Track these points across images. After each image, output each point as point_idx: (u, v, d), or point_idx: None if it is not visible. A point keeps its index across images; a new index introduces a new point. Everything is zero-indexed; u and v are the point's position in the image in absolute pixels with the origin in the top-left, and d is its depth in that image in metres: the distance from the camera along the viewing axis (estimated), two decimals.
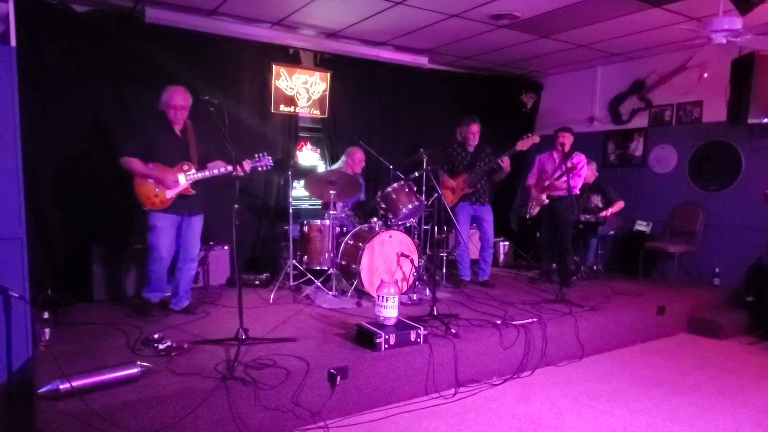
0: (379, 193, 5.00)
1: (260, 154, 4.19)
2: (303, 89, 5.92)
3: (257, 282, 5.30)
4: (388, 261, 4.69)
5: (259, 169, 4.23)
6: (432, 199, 4.94)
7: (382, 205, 4.90)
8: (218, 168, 4.07)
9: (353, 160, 5.48)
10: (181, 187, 3.98)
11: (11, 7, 3.06)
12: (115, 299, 4.56)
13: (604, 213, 5.97)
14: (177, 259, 4.18)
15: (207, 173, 4.05)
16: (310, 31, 5.70)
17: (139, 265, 4.52)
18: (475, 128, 5.35)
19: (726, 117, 5.41)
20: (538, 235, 6.31)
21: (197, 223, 4.20)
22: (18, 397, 2.78)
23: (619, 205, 6.08)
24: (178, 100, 3.96)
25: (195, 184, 4.04)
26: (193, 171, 4.03)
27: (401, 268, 4.74)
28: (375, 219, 4.87)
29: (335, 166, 5.66)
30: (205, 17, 5.14)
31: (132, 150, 3.91)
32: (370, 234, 4.65)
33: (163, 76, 4.89)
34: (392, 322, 3.53)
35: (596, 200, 6.18)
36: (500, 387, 3.66)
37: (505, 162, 5.17)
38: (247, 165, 4.11)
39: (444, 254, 5.76)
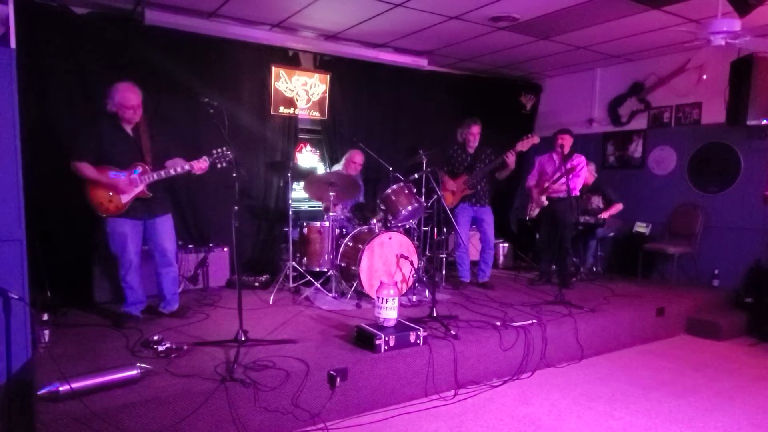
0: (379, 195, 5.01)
1: (219, 150, 3.80)
2: (302, 91, 5.93)
3: (257, 284, 5.30)
4: (388, 263, 4.69)
5: (218, 165, 3.82)
6: (432, 201, 4.95)
7: (382, 207, 4.90)
8: (175, 167, 3.84)
9: (349, 162, 5.48)
10: (136, 190, 3.78)
11: (11, 10, 3.06)
12: (114, 301, 4.56)
13: (601, 214, 5.97)
14: (156, 265, 4.08)
15: (163, 173, 3.81)
16: (310, 33, 5.71)
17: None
18: (476, 130, 5.35)
19: (725, 118, 5.40)
20: (537, 236, 6.32)
21: (163, 225, 4.00)
22: (17, 398, 2.77)
23: (618, 207, 6.08)
24: (133, 100, 3.71)
25: (152, 185, 3.83)
26: (148, 172, 3.81)
27: (401, 269, 4.74)
28: (374, 221, 4.88)
29: (335, 168, 5.67)
30: (205, 19, 5.15)
31: (81, 154, 3.67)
32: (370, 235, 4.65)
33: (163, 78, 4.92)
34: (392, 323, 3.53)
35: (597, 201, 6.18)
36: (500, 388, 3.66)
37: (511, 158, 5.15)
38: (204, 162, 3.83)
39: (443, 256, 5.76)
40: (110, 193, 3.74)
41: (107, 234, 3.86)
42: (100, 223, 3.90)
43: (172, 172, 3.83)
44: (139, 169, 3.80)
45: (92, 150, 3.71)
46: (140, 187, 3.79)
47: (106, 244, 3.93)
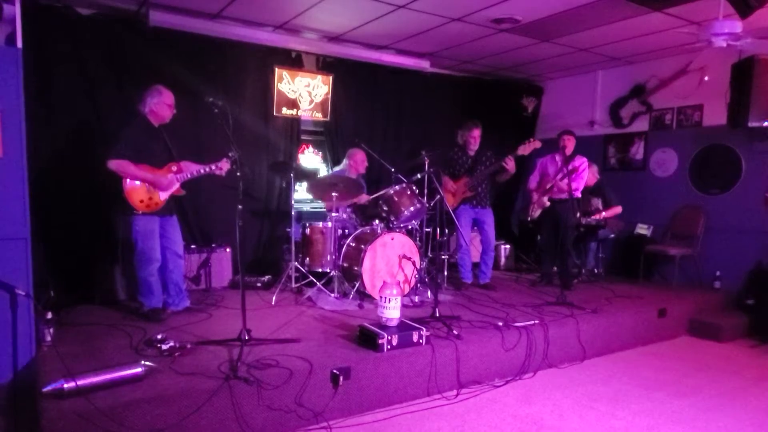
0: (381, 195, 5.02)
1: (232, 153, 3.84)
2: (305, 92, 5.95)
3: (259, 284, 5.31)
4: (390, 263, 4.70)
5: (237, 172, 3.71)
6: (433, 202, 4.96)
7: (384, 208, 4.91)
8: (204, 168, 4.04)
9: (355, 161, 5.50)
10: (174, 188, 3.99)
11: (18, 10, 3.09)
12: (117, 300, 4.57)
13: (597, 215, 5.95)
14: (167, 261, 4.12)
15: (195, 172, 4.03)
16: (313, 35, 5.73)
17: None
18: (476, 133, 5.37)
19: (726, 120, 5.43)
20: (539, 238, 6.33)
21: (176, 222, 4.18)
22: (23, 395, 2.79)
23: (616, 210, 6.07)
24: (173, 99, 3.99)
25: (182, 184, 4.05)
26: (182, 171, 4.02)
27: (403, 270, 4.75)
28: (377, 221, 4.89)
29: (338, 169, 5.68)
30: (209, 21, 5.17)
31: (121, 152, 3.75)
32: (372, 236, 4.66)
33: (167, 79, 4.91)
34: (395, 323, 3.54)
35: (596, 203, 6.19)
36: (502, 388, 3.67)
37: (510, 163, 5.18)
38: (225, 164, 4.02)
39: (445, 257, 5.77)
40: (150, 191, 3.86)
41: (135, 231, 3.91)
42: (125, 222, 3.98)
43: (202, 171, 4.01)
44: (175, 168, 3.98)
45: (132, 149, 3.80)
46: (176, 185, 3.98)
47: (131, 242, 3.97)
